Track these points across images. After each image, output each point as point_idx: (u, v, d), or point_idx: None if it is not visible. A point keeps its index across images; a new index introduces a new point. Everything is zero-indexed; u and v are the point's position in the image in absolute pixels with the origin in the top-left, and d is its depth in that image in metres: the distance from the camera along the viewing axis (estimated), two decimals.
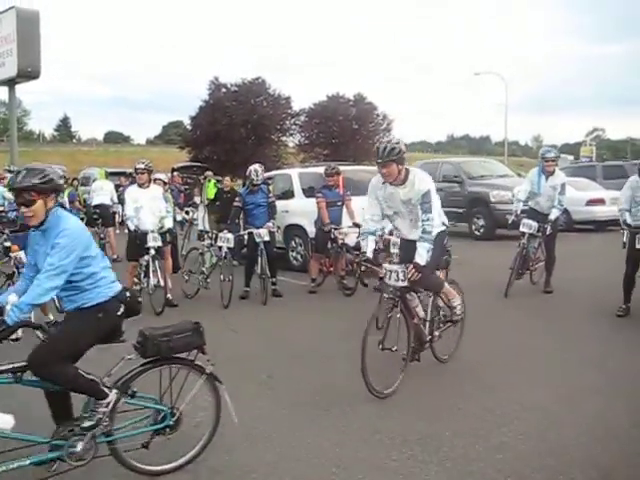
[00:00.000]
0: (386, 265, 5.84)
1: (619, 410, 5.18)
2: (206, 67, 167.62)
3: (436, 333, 6.25)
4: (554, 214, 9.74)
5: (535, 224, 9.63)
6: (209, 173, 19.01)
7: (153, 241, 9.21)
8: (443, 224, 6.28)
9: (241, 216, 10.79)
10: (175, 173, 23.05)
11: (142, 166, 9.56)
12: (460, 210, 18.15)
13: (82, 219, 15.81)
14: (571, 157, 45.33)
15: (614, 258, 9.09)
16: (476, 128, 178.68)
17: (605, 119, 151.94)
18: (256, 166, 10.61)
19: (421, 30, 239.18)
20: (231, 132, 39.37)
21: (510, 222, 10.14)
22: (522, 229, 9.73)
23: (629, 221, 8.36)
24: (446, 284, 6.33)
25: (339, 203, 10.63)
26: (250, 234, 10.16)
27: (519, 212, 9.89)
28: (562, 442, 4.59)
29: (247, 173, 10.57)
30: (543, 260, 10.07)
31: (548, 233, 9.70)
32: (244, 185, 17.91)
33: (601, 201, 18.80)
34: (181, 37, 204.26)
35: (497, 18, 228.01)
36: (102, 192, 15.61)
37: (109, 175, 18.01)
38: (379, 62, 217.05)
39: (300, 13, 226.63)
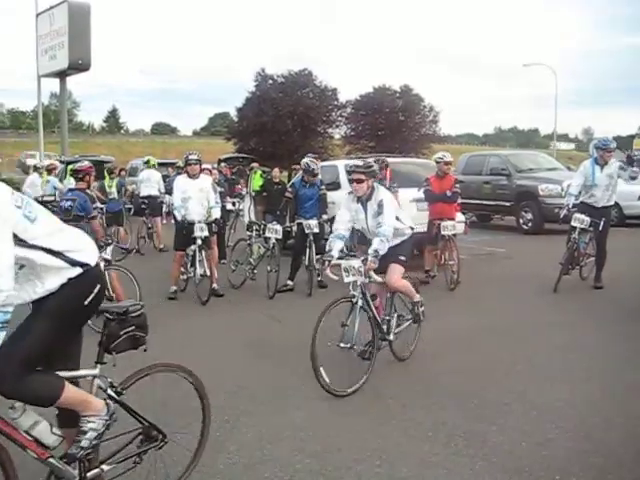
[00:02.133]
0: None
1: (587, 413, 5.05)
2: (252, 58, 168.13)
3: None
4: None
5: (587, 219, 9.40)
6: (255, 164, 19.09)
7: (200, 231, 9.30)
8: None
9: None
10: (222, 164, 23.19)
11: (195, 157, 9.66)
12: (508, 203, 17.94)
13: (129, 209, 16.11)
14: (618, 150, 44.26)
15: None
16: (524, 120, 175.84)
17: None
18: (311, 157, 10.68)
19: (469, 21, 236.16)
20: (277, 124, 39.48)
21: (562, 216, 9.88)
22: (573, 223, 9.53)
23: None
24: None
25: None
26: (299, 225, 10.19)
27: (571, 206, 9.67)
28: (609, 441, 4.50)
29: (303, 165, 10.57)
30: (593, 255, 9.87)
31: (601, 228, 9.46)
32: (289, 177, 17.99)
33: None
34: (227, 28, 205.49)
35: (546, 9, 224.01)
36: (149, 183, 15.73)
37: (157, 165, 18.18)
38: (427, 54, 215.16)
39: (333, 8, 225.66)
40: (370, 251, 5.82)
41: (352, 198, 6.23)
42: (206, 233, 9.41)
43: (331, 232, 12.37)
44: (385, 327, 6.14)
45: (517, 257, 13.22)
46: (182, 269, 9.73)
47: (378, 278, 6.07)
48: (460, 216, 11.50)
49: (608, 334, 7.25)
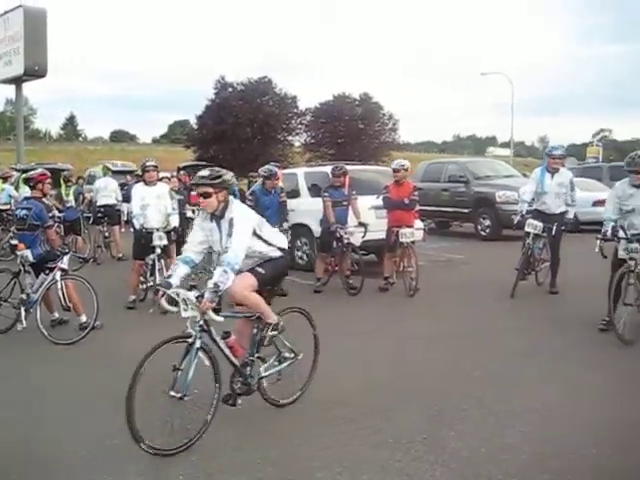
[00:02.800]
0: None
1: (624, 413, 5.17)
2: (212, 66, 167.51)
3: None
4: (571, 212, 9.93)
5: (540, 224, 9.58)
6: None
7: (159, 240, 9.23)
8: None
9: None
10: (182, 172, 23.00)
11: (152, 163, 9.60)
12: (466, 210, 18.16)
13: (88, 218, 15.87)
14: (572, 158, 45.15)
15: None
16: (482, 128, 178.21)
17: (612, 120, 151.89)
18: (273, 166, 10.75)
19: (427, 30, 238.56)
20: (237, 131, 39.40)
21: (515, 223, 10.08)
22: (527, 229, 9.70)
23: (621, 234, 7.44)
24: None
25: (345, 203, 10.62)
26: None
27: (524, 213, 9.83)
28: (566, 444, 4.58)
29: (264, 171, 10.55)
30: (548, 261, 10.05)
31: (554, 234, 9.66)
32: (249, 185, 17.93)
33: None
34: (187, 36, 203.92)
35: (503, 19, 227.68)
36: (106, 192, 15.55)
37: (114, 173, 17.93)
38: (385, 62, 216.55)
39: (303, 13, 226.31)
40: (209, 285, 4.68)
41: (205, 216, 5.12)
42: (165, 242, 9.33)
43: (291, 241, 12.45)
44: (249, 370, 5.10)
45: (475, 263, 13.38)
46: (141, 278, 9.62)
47: (218, 318, 4.77)
48: (419, 223, 11.60)
49: (564, 339, 7.37)
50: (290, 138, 45.13)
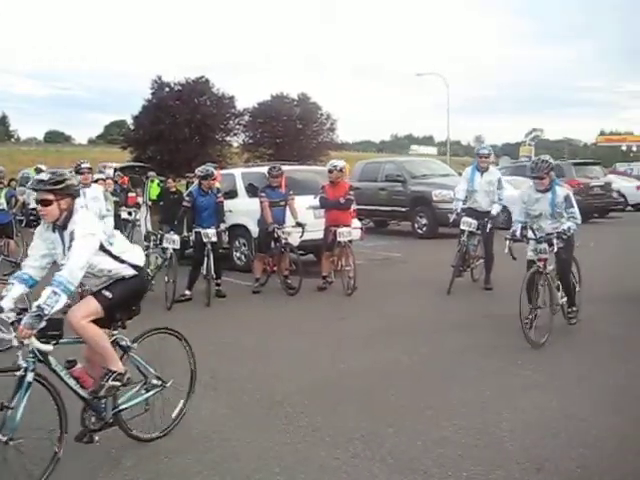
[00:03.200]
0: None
1: (553, 404, 5.33)
2: (149, 67, 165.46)
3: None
4: (495, 209, 10.09)
5: (474, 222, 9.81)
6: (152, 173, 18.75)
7: None
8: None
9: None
10: (118, 173, 22.66)
11: (87, 165, 9.45)
12: (403, 209, 18.35)
13: (21, 221, 15.49)
14: (506, 157, 46.17)
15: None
16: (419, 128, 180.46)
17: (544, 120, 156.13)
18: (210, 166, 10.67)
19: (365, 31, 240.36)
20: (174, 132, 39.05)
21: (451, 221, 10.34)
22: (462, 227, 9.92)
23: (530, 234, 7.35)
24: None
25: (282, 203, 10.62)
26: (197, 235, 10.08)
27: (459, 210, 10.04)
28: (500, 435, 4.70)
29: (201, 171, 10.46)
30: (482, 257, 10.28)
31: (488, 231, 9.93)
32: (187, 186, 17.77)
33: None
34: (125, 35, 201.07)
35: (439, 21, 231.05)
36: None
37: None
38: (323, 63, 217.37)
39: (242, 14, 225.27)
40: (33, 307, 3.98)
41: (47, 226, 4.39)
42: None
43: (229, 242, 12.42)
44: (103, 402, 4.45)
45: (412, 261, 13.56)
46: None
47: (44, 347, 4.04)
48: (356, 222, 11.69)
49: (499, 334, 7.53)
50: (228, 138, 44.98)
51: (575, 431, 4.74)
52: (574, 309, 7.63)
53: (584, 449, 4.44)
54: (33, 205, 15.02)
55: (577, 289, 7.80)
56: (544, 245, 7.11)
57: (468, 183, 10.10)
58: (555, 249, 7.07)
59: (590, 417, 5.00)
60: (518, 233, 7.30)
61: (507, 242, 7.28)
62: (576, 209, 7.29)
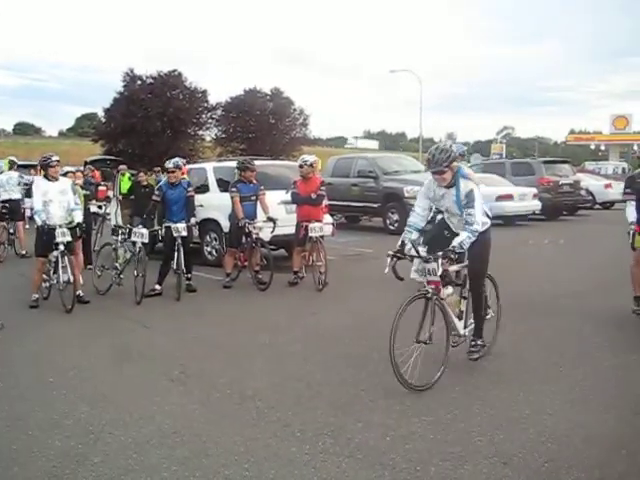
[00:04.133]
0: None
1: (520, 398, 5.39)
2: (121, 59, 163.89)
3: None
4: None
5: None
6: (123, 167, 18.63)
7: (62, 236, 8.94)
8: None
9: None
10: (88, 166, 22.45)
11: (57, 158, 9.32)
12: (375, 205, 18.43)
13: None
14: (477, 154, 46.60)
15: (519, 252, 9.40)
16: (393, 124, 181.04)
17: (515, 118, 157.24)
18: (178, 159, 10.56)
19: (338, 28, 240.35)
20: (146, 125, 38.70)
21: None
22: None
23: None
24: None
25: (253, 198, 10.60)
26: (167, 229, 10.01)
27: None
28: (467, 430, 4.74)
29: (169, 166, 10.38)
30: None
31: None
32: (159, 180, 17.64)
33: (509, 197, 19.51)
34: (96, 26, 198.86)
35: (412, 19, 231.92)
36: (9, 186, 14.99)
37: (19, 167, 17.25)
38: (295, 58, 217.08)
39: (218, 8, 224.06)
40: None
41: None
42: (68, 238, 9.05)
43: (200, 236, 12.37)
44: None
45: (384, 257, 13.53)
46: (45, 276, 9.33)
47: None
48: (328, 218, 11.70)
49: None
50: (201, 132, 44.72)
51: (543, 426, 4.79)
52: (479, 342, 6.26)
53: (552, 444, 4.49)
54: (3, 197, 14.80)
55: (488, 316, 6.52)
56: (433, 264, 5.58)
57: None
58: (438, 273, 5.56)
59: (558, 412, 5.06)
60: (406, 248, 5.86)
61: (388, 260, 5.78)
62: (476, 210, 5.66)
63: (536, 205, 20.05)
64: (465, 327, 6.22)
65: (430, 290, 5.66)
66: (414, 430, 4.76)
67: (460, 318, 6.16)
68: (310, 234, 10.22)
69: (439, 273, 5.57)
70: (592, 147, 70.79)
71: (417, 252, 5.75)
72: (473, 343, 6.26)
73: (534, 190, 20.16)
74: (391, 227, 17.93)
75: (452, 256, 5.54)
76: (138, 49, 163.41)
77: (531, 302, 8.90)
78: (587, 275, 10.85)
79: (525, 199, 19.92)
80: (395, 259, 5.79)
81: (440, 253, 5.57)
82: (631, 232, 8.06)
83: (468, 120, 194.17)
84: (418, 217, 6.15)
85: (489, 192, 19.34)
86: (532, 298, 9.14)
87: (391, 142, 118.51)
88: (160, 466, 4.26)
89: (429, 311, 5.60)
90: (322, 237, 10.43)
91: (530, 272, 11.37)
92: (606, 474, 4.12)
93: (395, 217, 17.90)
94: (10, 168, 15.76)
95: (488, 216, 6.27)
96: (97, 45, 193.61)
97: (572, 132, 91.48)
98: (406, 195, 17.41)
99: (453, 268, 5.89)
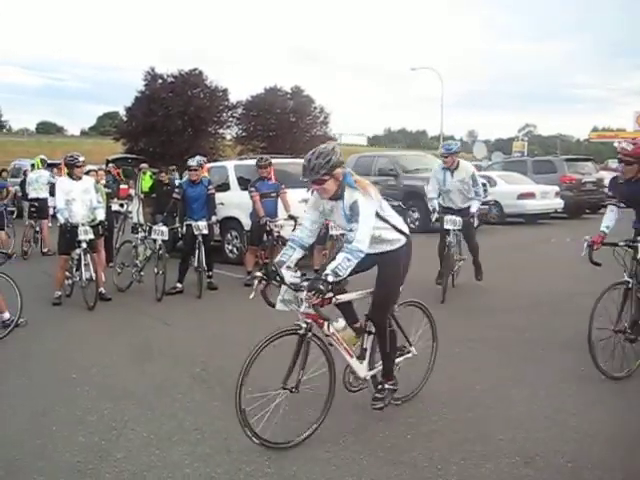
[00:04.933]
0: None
1: (542, 397, 5.36)
2: (139, 58, 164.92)
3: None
4: (475, 206, 9.47)
5: (459, 219, 9.21)
6: (144, 165, 18.71)
7: (84, 234, 9.03)
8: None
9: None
10: (110, 165, 22.60)
11: (83, 158, 9.43)
12: (395, 203, 18.36)
13: (12, 212, 15.41)
14: (499, 152, 46.30)
15: (540, 250, 9.31)
16: (413, 122, 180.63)
17: (537, 116, 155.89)
18: (199, 157, 10.61)
19: (360, 26, 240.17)
20: (167, 124, 38.81)
21: (434, 220, 9.62)
22: (447, 226, 9.28)
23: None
24: None
25: (273, 194, 10.63)
26: (188, 227, 10.07)
27: (438, 209, 9.50)
28: (489, 429, 4.72)
29: (192, 164, 10.43)
30: (463, 259, 9.83)
31: (467, 227, 9.40)
32: (181, 177, 17.74)
33: (531, 195, 19.34)
34: (117, 27, 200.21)
35: (434, 17, 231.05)
36: (37, 185, 15.18)
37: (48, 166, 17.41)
38: (313, 56, 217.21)
39: (234, 8, 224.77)
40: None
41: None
42: (91, 236, 9.14)
43: (221, 234, 12.39)
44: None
45: None
46: (67, 273, 9.42)
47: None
48: None
49: (491, 328, 7.54)
50: (221, 131, 44.73)
51: (565, 426, 4.76)
52: (387, 386, 5.03)
53: (574, 444, 4.45)
54: (32, 195, 14.97)
55: (409, 354, 5.36)
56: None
57: (439, 183, 9.59)
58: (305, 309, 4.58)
59: (581, 412, 5.02)
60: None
61: (255, 282, 4.78)
62: (361, 225, 4.45)
63: (558, 203, 19.86)
64: (371, 369, 5.02)
65: (303, 325, 4.58)
66: (435, 428, 4.75)
67: (362, 358, 4.96)
68: (330, 232, 10.21)
69: (305, 309, 4.50)
70: (615, 145, 70.07)
71: (281, 278, 4.58)
72: (379, 387, 5.01)
73: (556, 188, 19.98)
74: (412, 225, 17.85)
75: (321, 287, 4.24)
76: (155, 48, 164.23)
77: (552, 301, 8.84)
78: (609, 273, 10.73)
79: (547, 197, 19.75)
80: (263, 282, 4.69)
81: (305, 284, 4.42)
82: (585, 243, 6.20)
83: (490, 117, 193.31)
84: (305, 231, 4.95)
85: (511, 190, 19.34)
86: (552, 297, 9.07)
87: (412, 140, 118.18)
88: (182, 462, 4.29)
89: (301, 350, 4.54)
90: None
91: (551, 270, 11.27)
92: (630, 475, 4.09)
93: (416, 215, 17.84)
94: (41, 167, 15.98)
95: (400, 231, 5.04)
96: (118, 45, 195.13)
97: (595, 130, 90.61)
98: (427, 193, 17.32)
99: (344, 297, 4.91)
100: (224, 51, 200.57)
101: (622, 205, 6.34)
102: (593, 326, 5.59)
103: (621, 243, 6.01)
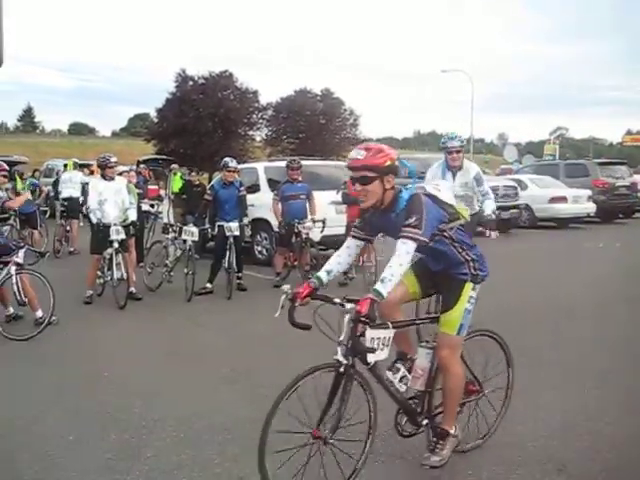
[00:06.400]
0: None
1: (575, 404, 5.28)
2: (173, 60, 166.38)
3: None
4: (489, 207, 7.67)
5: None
6: (175, 166, 18.85)
7: (116, 234, 9.13)
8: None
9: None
10: (142, 166, 22.81)
11: (115, 159, 9.56)
12: None
13: (45, 212, 15.61)
14: (530, 155, 45.88)
15: (573, 255, 9.22)
16: (443, 124, 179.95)
17: (569, 119, 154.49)
18: (228, 159, 10.65)
19: (390, 28, 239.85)
20: (198, 125, 39.10)
21: None
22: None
23: None
24: None
25: (302, 196, 10.66)
26: (220, 228, 10.13)
27: None
28: (521, 435, 4.66)
29: (231, 165, 10.46)
30: None
31: (488, 235, 7.85)
32: (210, 179, 17.81)
33: (563, 199, 19.16)
34: (149, 29, 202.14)
35: (464, 18, 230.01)
36: (70, 184, 15.40)
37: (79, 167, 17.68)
38: (347, 58, 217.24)
39: (268, 10, 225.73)
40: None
41: None
42: (123, 236, 9.23)
43: (251, 235, 12.44)
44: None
45: None
46: (99, 273, 9.52)
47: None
48: None
49: (524, 333, 7.46)
50: (251, 132, 44.97)
51: (599, 434, 4.69)
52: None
53: (608, 452, 4.38)
54: (64, 195, 15.17)
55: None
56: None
57: None
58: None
59: (615, 420, 4.94)
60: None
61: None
62: None
63: (591, 207, 19.64)
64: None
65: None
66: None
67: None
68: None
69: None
70: None
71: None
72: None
73: (588, 192, 19.76)
74: None
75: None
76: (187, 52, 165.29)
77: (583, 306, 8.75)
78: None
79: (579, 201, 19.55)
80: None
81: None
82: None
83: (521, 120, 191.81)
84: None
85: (542, 194, 19.19)
86: (585, 302, 8.98)
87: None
88: (212, 462, 4.31)
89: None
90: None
91: (584, 276, 11.15)
92: None
93: None
94: (74, 169, 16.24)
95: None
96: (149, 46, 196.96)
97: (629, 133, 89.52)
98: None
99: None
100: (252, 55, 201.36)
101: None
102: None
103: None
